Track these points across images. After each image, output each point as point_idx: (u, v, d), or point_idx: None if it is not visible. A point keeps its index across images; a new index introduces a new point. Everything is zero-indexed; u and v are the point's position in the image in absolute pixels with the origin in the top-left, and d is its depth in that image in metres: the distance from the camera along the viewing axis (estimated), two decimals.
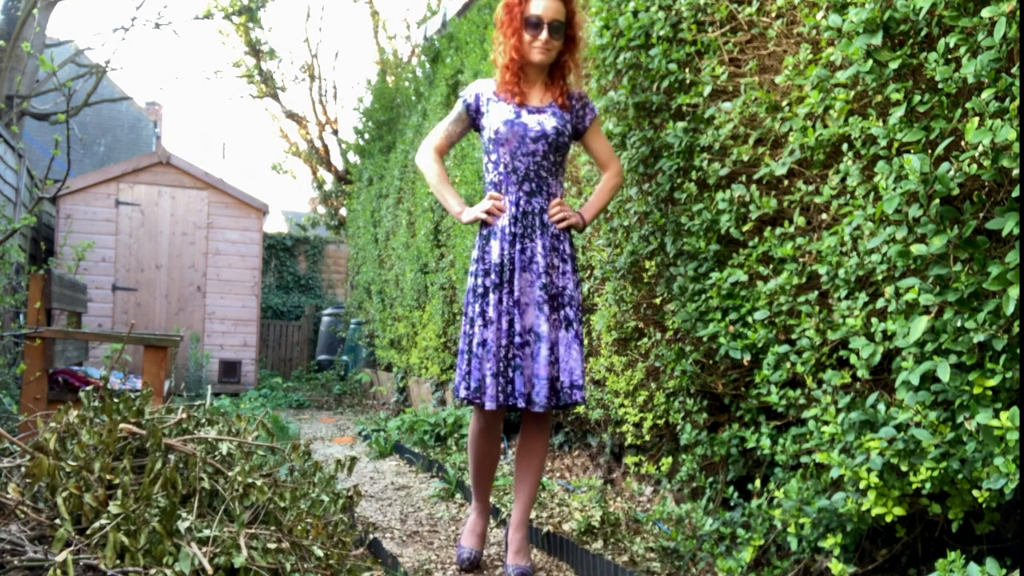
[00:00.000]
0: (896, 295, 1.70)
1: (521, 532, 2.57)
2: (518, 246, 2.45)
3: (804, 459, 2.06)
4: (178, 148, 37.81)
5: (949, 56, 1.62)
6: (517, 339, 2.41)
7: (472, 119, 2.61)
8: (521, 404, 2.41)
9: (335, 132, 12.80)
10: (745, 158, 2.25)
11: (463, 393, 2.47)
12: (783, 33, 2.22)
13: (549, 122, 2.48)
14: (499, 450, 2.65)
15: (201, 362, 8.19)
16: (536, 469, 2.60)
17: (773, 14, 2.24)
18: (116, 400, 1.84)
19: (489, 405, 2.40)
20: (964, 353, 1.58)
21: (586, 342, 3.35)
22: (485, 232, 2.53)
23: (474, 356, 2.45)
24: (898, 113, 1.67)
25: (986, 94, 1.50)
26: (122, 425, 1.78)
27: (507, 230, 2.46)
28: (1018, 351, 1.51)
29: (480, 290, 2.48)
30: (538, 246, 2.45)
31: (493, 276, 2.46)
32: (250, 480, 1.78)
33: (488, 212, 2.50)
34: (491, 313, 2.44)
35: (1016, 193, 1.47)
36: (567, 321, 2.47)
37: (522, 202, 2.48)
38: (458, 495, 3.63)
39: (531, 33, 2.46)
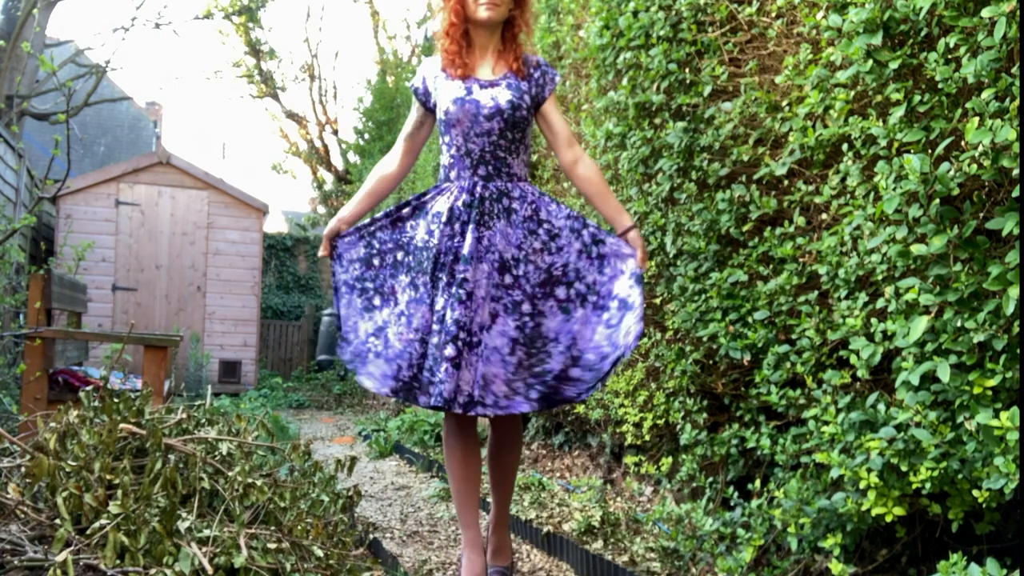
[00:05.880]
0: (896, 295, 1.70)
1: (498, 533, 2.37)
2: (474, 235, 2.13)
3: (804, 459, 2.06)
4: (178, 148, 37.83)
5: (949, 56, 1.62)
6: (462, 335, 2.08)
7: (424, 104, 2.31)
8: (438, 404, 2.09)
9: (335, 132, 12.81)
10: (745, 158, 2.25)
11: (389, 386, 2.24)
12: (783, 33, 2.22)
13: (503, 96, 2.18)
14: (473, 461, 2.25)
15: (201, 362, 8.18)
16: (503, 464, 2.31)
17: (773, 14, 2.24)
18: (116, 400, 1.84)
19: (384, 389, 2.17)
20: (964, 353, 1.58)
21: None
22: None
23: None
24: (898, 113, 1.67)
25: (986, 94, 1.49)
26: (122, 425, 1.78)
27: (454, 215, 2.17)
28: (1018, 351, 1.51)
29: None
30: (498, 235, 2.15)
31: (422, 262, 2.19)
32: (250, 480, 1.78)
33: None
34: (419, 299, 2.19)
35: (1016, 193, 1.47)
36: (580, 297, 2.16)
37: (478, 187, 2.18)
38: None
39: None
